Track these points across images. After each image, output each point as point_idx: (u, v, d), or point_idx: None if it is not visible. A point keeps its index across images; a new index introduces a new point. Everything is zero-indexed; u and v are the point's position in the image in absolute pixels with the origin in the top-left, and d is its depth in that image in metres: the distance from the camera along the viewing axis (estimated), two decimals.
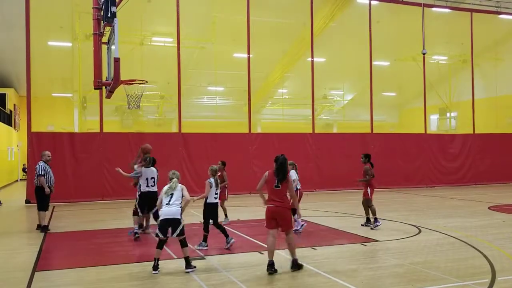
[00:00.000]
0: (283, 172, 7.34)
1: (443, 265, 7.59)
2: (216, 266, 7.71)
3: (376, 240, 9.73)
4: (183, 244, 7.48)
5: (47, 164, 11.48)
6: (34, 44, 18.51)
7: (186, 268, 7.38)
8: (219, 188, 9.30)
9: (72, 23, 20.74)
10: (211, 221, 9.07)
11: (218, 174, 10.40)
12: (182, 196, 7.61)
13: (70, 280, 7.07)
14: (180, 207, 7.55)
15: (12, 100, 30.90)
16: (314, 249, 8.94)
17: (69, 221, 12.99)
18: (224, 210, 12.12)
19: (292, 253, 7.41)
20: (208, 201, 9.12)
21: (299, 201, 10.39)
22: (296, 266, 7.39)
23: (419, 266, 7.56)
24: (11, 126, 30.76)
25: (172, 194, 7.56)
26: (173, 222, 7.41)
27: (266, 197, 7.50)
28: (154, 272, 7.31)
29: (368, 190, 11.42)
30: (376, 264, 7.79)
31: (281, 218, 7.30)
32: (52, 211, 15.03)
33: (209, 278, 7.00)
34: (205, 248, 9.01)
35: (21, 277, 7.17)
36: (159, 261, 7.43)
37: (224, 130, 21.34)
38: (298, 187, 10.76)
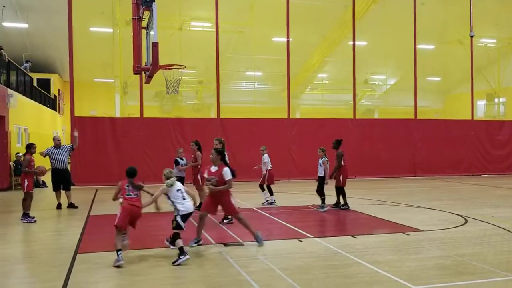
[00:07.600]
0: None
1: (492, 258, 7.23)
2: (254, 253, 7.61)
3: (420, 230, 9.39)
4: None
5: (57, 148, 12.51)
6: (76, 30, 18.78)
7: None
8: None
9: (113, 8, 20.96)
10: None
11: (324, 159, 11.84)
12: None
13: (110, 262, 7.11)
14: None
15: (56, 85, 31.75)
16: (355, 237, 8.71)
17: (111, 204, 13.16)
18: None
19: None
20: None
21: (270, 182, 12.64)
22: None
23: (466, 258, 7.22)
24: (56, 110, 31.65)
25: None
26: None
27: None
28: None
29: None
30: (419, 255, 7.49)
31: None
32: (95, 194, 15.44)
33: (247, 265, 6.89)
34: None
35: (64, 259, 7.31)
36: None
37: (263, 116, 21.11)
38: (269, 167, 12.60)
